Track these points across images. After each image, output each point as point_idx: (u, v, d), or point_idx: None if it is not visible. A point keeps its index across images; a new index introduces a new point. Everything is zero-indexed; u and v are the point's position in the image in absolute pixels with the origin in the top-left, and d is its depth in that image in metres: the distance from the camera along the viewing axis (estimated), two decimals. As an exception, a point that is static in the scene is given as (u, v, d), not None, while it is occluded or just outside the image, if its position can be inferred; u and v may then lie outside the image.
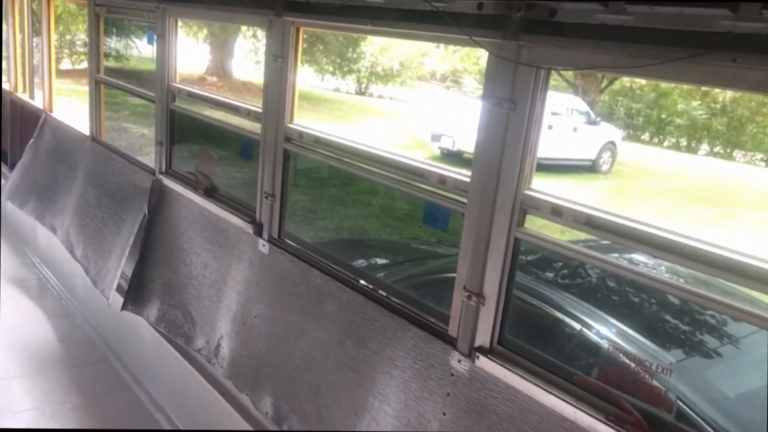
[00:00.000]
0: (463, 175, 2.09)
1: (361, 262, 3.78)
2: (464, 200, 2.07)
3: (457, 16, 1.97)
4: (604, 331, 2.45)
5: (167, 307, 3.68)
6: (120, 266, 3.98)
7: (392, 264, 4.28)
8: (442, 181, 2.15)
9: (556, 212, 1.82)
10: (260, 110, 2.96)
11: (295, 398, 2.79)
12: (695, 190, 12.03)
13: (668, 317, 2.83)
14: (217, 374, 3.31)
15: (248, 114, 3.10)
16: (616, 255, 1.91)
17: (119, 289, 4.00)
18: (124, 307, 3.88)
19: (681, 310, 2.76)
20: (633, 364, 1.69)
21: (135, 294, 3.87)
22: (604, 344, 2.23)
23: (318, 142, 2.70)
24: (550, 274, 3.11)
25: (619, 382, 1.71)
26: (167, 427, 3.72)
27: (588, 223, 1.74)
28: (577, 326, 2.47)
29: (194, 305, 3.48)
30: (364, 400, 2.46)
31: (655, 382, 1.64)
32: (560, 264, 3.14)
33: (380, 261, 4.42)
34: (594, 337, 2.36)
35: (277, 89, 2.83)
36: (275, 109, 2.85)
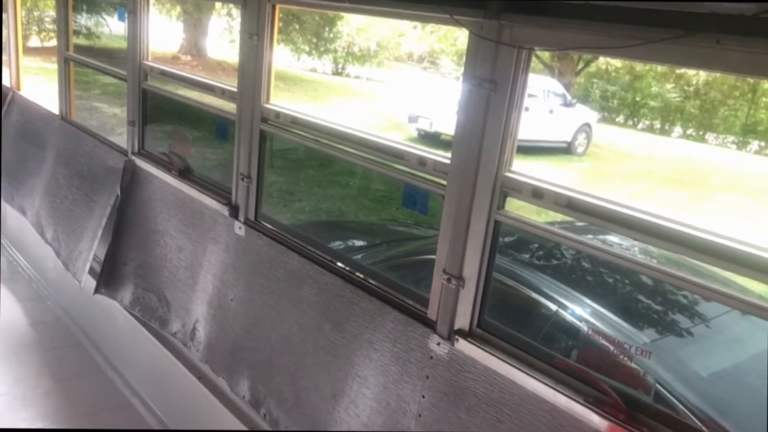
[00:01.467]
0: (443, 156, 2.06)
1: (338, 244, 3.75)
2: (444, 182, 2.04)
3: (437, -6, 1.93)
4: (581, 312, 2.46)
5: (141, 290, 3.62)
6: (92, 249, 3.90)
7: (370, 246, 4.25)
8: (422, 162, 2.13)
9: (536, 195, 1.80)
10: (235, 90, 2.90)
11: (273, 381, 2.77)
12: (668, 172, 12.20)
13: (642, 298, 2.86)
14: (193, 358, 3.27)
15: (223, 93, 3.04)
16: (590, 236, 1.91)
17: (92, 272, 3.93)
18: (97, 291, 3.81)
19: (654, 291, 2.79)
20: (612, 347, 1.69)
21: (108, 277, 3.80)
22: (583, 326, 2.24)
23: (295, 122, 2.65)
24: (526, 256, 3.11)
25: (598, 365, 1.71)
26: (143, 410, 3.68)
27: (569, 205, 1.73)
28: (555, 308, 2.48)
29: (169, 288, 3.43)
30: (342, 383, 2.45)
31: (633, 364, 1.65)
32: (535, 246, 3.15)
33: (358, 243, 4.40)
34: (572, 319, 2.37)
35: (252, 68, 2.76)
36: (251, 89, 2.79)
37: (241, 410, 2.98)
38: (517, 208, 1.93)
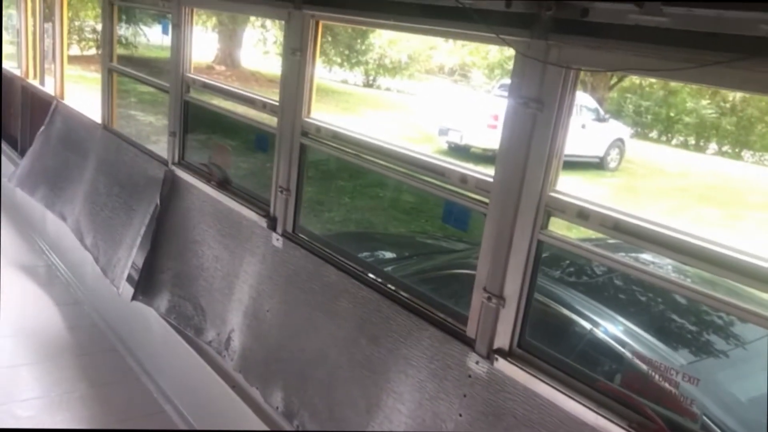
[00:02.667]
0: (485, 174, 2.06)
1: (367, 255, 3.76)
2: (486, 200, 2.04)
3: (483, 13, 1.93)
4: (616, 331, 2.42)
5: (178, 298, 3.66)
6: (131, 256, 3.97)
7: (399, 258, 4.25)
8: (464, 180, 2.13)
9: (582, 215, 1.79)
10: (277, 103, 2.94)
11: (307, 394, 2.78)
12: (702, 189, 11.99)
13: (681, 319, 2.81)
14: (228, 367, 3.29)
15: (264, 107, 3.08)
16: (622, 254, 1.89)
17: (129, 279, 3.99)
18: (134, 298, 3.87)
19: (690, 311, 2.75)
20: (658, 372, 1.66)
21: (145, 285, 3.85)
22: (626, 350, 2.21)
23: (336, 137, 2.67)
24: (557, 272, 3.08)
25: (643, 389, 1.69)
26: (176, 418, 3.72)
27: (615, 227, 1.72)
28: (590, 327, 2.45)
29: (205, 297, 3.47)
30: (377, 398, 2.45)
31: (680, 391, 1.62)
32: (567, 262, 3.11)
33: (387, 255, 4.40)
34: (611, 341, 2.33)
35: (294, 83, 2.80)
36: (292, 103, 2.82)
37: (274, 421, 2.99)
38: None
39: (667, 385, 1.65)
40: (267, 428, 2.99)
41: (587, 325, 2.51)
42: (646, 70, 1.63)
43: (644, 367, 1.73)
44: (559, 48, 1.77)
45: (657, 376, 1.67)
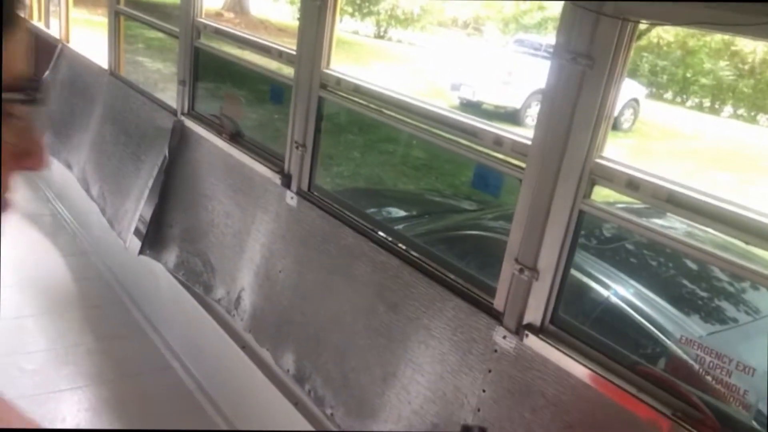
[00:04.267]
0: (523, 137, 1.90)
1: (375, 212, 3.62)
2: (523, 165, 1.88)
3: (529, -42, 1.74)
4: (657, 313, 2.29)
5: (186, 254, 3.55)
6: (138, 209, 3.84)
7: (410, 217, 4.12)
8: (498, 142, 1.96)
9: (631, 185, 1.63)
10: (294, 53, 2.75)
11: (320, 358, 2.68)
12: (717, 152, 11.78)
13: (708, 292, 2.69)
14: (237, 327, 3.20)
15: (280, 56, 2.89)
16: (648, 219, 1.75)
17: (137, 232, 3.87)
18: (141, 252, 3.76)
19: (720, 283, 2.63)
20: (708, 358, 1.53)
21: (153, 239, 3.74)
22: (673, 332, 2.08)
23: (357, 90, 2.50)
24: (594, 242, 2.94)
25: (690, 377, 1.56)
26: (183, 374, 3.65)
27: (669, 199, 1.56)
28: (636, 307, 2.32)
29: (215, 254, 3.35)
30: (394, 367, 2.34)
31: (732, 380, 1.49)
32: (597, 230, 2.97)
33: (398, 213, 4.26)
34: (653, 323, 2.20)
35: (314, 31, 2.61)
36: (311, 53, 2.64)
37: (285, 384, 2.91)
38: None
39: (717, 372, 1.52)
40: (277, 390, 2.91)
41: (626, 304, 2.38)
42: (715, 24, 1.45)
43: (691, 352, 1.60)
44: (615, -2, 1.58)
45: (706, 364, 1.54)
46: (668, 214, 1.67)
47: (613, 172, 1.67)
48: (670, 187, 1.56)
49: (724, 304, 2.48)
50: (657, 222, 1.91)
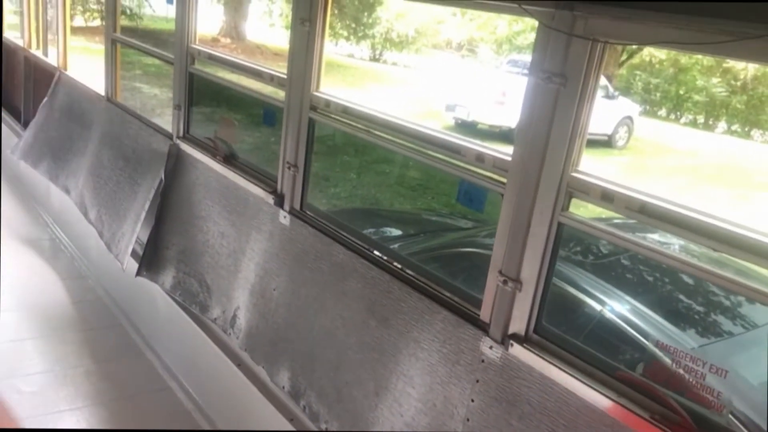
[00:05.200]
0: (503, 153, 1.97)
1: (372, 232, 3.69)
2: (504, 180, 1.96)
3: (505, -17, 1.83)
4: (638, 319, 2.35)
5: (183, 274, 3.61)
6: (135, 231, 3.91)
7: (406, 236, 4.19)
8: (480, 158, 2.04)
9: (606, 197, 1.70)
10: (285, 76, 2.84)
11: (314, 374, 2.73)
12: (711, 168, 11.86)
13: (687, 300, 2.75)
14: (233, 345, 3.25)
15: (271, 80, 2.98)
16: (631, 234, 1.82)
17: (134, 254, 3.93)
18: (138, 273, 3.82)
19: (701, 294, 2.69)
20: (684, 362, 1.59)
21: (150, 260, 3.80)
22: (650, 339, 2.14)
23: (346, 112, 2.58)
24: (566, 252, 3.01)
25: (667, 380, 1.62)
26: (181, 395, 3.68)
27: (642, 210, 1.63)
28: (615, 315, 2.38)
29: (210, 274, 3.41)
30: (386, 380, 2.39)
31: (707, 383, 1.55)
32: (573, 242, 3.04)
33: (394, 232, 4.34)
34: (634, 330, 2.26)
35: (303, 55, 2.70)
36: (301, 76, 2.73)
37: (281, 401, 2.95)
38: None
39: (692, 376, 1.57)
40: (273, 407, 2.95)
41: (606, 312, 2.44)
42: (680, 44, 1.53)
43: (667, 356, 1.66)
44: (585, 19, 1.67)
45: (681, 367, 1.60)
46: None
47: (588, 185, 1.74)
48: (642, 198, 1.63)
49: (700, 308, 2.54)
50: (653, 238, 1.98)
